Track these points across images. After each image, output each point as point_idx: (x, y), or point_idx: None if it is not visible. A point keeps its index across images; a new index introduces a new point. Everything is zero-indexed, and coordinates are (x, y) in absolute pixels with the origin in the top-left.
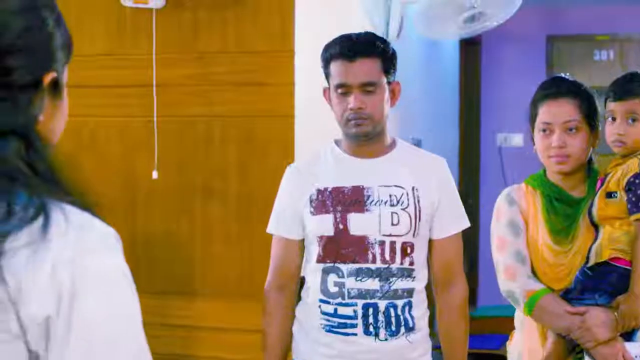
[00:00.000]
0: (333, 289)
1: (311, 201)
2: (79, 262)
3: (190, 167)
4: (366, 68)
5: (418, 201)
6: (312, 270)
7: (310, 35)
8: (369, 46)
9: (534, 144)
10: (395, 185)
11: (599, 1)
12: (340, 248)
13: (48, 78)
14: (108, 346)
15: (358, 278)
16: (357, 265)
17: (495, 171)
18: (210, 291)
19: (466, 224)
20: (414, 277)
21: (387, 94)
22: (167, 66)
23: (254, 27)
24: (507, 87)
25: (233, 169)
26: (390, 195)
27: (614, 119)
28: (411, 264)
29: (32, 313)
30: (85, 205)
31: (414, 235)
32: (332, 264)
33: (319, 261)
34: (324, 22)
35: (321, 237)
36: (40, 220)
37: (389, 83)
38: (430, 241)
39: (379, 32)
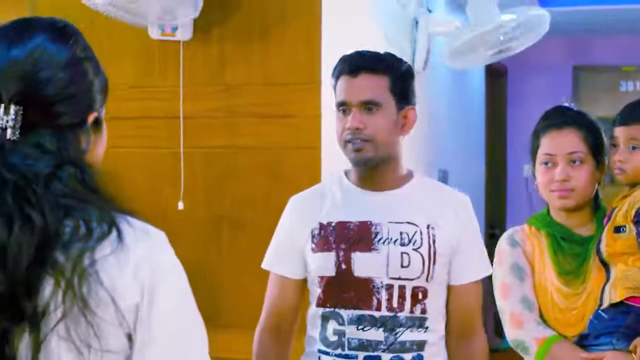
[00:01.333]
0: (332, 338)
1: (313, 237)
2: (153, 259)
3: (216, 198)
4: (369, 84)
5: (433, 241)
6: (312, 316)
7: None
8: (375, 61)
9: (535, 179)
10: (408, 222)
11: (626, 32)
12: (342, 291)
13: (91, 118)
14: (179, 316)
15: (360, 327)
16: (359, 312)
17: (522, 202)
18: (237, 322)
19: (488, 271)
20: (427, 328)
21: (394, 118)
22: (194, 98)
23: (281, 60)
24: (533, 118)
25: (259, 200)
26: (401, 233)
27: (615, 146)
28: (423, 312)
29: (126, 304)
30: (134, 213)
31: (427, 279)
32: (332, 309)
33: (318, 305)
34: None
35: (322, 278)
36: (114, 232)
37: (400, 107)
38: (448, 287)
39: None
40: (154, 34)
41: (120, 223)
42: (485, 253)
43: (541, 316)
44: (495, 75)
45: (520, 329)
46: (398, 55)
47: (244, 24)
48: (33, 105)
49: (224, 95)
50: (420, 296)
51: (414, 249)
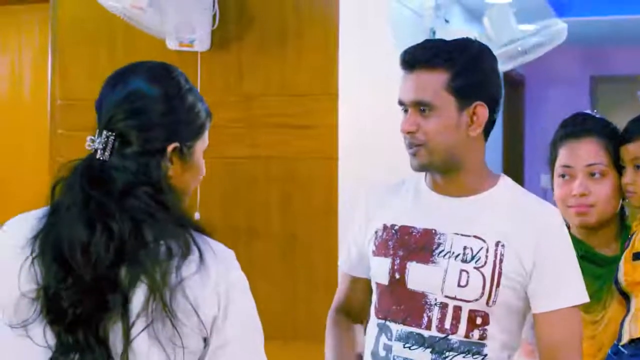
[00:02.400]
0: (382, 353)
1: (375, 238)
2: (228, 277)
3: (233, 208)
4: (422, 82)
5: (500, 261)
6: (371, 324)
7: (354, 78)
8: (432, 54)
9: (553, 191)
10: (475, 236)
11: None
12: (393, 303)
13: (170, 147)
14: (247, 325)
15: (407, 344)
16: (407, 328)
17: None
18: None
19: (581, 298)
20: (485, 356)
21: (455, 119)
22: (211, 108)
23: (298, 70)
24: (550, 128)
25: (276, 210)
26: (464, 248)
27: (623, 167)
28: (482, 338)
29: (207, 314)
30: (206, 231)
31: (488, 303)
32: (383, 321)
33: (375, 314)
34: (368, 64)
35: (377, 285)
36: (196, 252)
37: (464, 106)
38: (534, 316)
39: None
40: (172, 44)
41: (199, 243)
42: (579, 277)
43: None
44: (513, 85)
45: (532, 358)
46: None
47: (262, 34)
48: (120, 132)
49: (241, 106)
50: (478, 321)
51: (475, 268)
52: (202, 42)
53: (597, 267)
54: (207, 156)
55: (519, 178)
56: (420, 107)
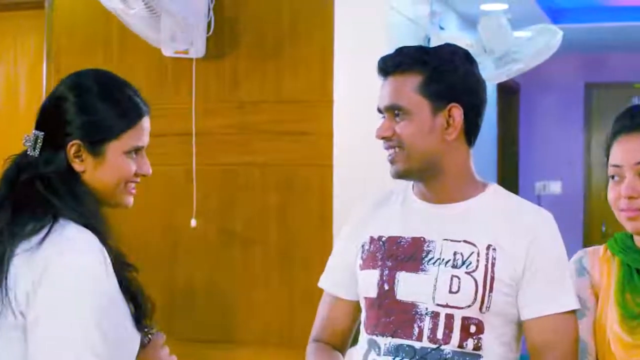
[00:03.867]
0: None
1: (362, 252)
2: (57, 259)
3: (229, 215)
4: (394, 87)
5: (492, 265)
6: (360, 342)
7: (350, 85)
8: (405, 58)
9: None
10: (465, 241)
11: (638, 49)
12: (382, 315)
13: (69, 146)
14: (56, 307)
15: (396, 358)
16: (397, 341)
17: None
18: (251, 340)
19: (570, 304)
20: None
21: (429, 122)
22: (206, 115)
23: (293, 77)
24: (545, 134)
25: (272, 217)
26: (455, 254)
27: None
28: (477, 348)
29: (21, 290)
30: (91, 226)
31: (481, 309)
32: (371, 336)
33: (364, 330)
34: (363, 71)
35: (366, 300)
36: (43, 233)
37: (438, 108)
38: (523, 324)
39: None
40: (167, 52)
41: (54, 227)
42: (570, 283)
43: None
44: (508, 92)
45: None
46: None
47: (257, 41)
48: (38, 132)
49: (236, 112)
50: (472, 329)
51: (466, 273)
52: (197, 49)
53: None
54: (202, 162)
55: (513, 185)
56: (394, 111)
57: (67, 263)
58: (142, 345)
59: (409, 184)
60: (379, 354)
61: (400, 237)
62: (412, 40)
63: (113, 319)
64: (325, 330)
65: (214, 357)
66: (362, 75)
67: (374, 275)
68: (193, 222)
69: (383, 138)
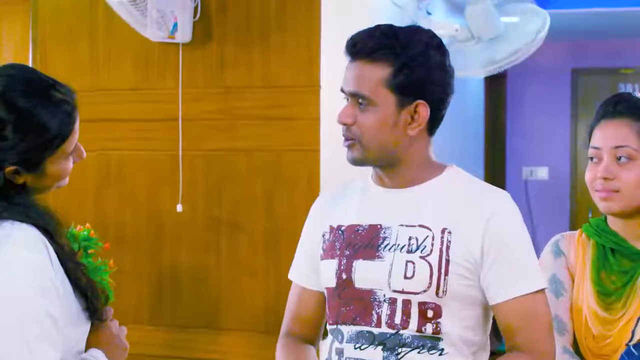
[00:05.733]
0: (334, 358)
1: (323, 242)
2: None
3: (215, 200)
4: (360, 74)
5: (447, 247)
6: (328, 332)
7: (336, 70)
8: (375, 46)
9: None
10: (420, 225)
11: (624, 34)
12: (342, 304)
13: (7, 170)
14: None
15: (357, 345)
16: (357, 328)
17: (521, 205)
18: (236, 325)
19: (536, 284)
20: (442, 351)
21: (393, 117)
22: (193, 100)
23: (280, 62)
24: (532, 120)
25: (259, 203)
26: (410, 238)
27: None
28: (436, 332)
29: None
30: (39, 225)
31: (438, 293)
32: (334, 326)
33: (328, 320)
34: None
35: (327, 289)
36: None
37: (403, 104)
38: (492, 308)
39: None
40: (153, 36)
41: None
42: (535, 262)
43: (575, 341)
44: (494, 78)
45: None
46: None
47: (244, 26)
48: None
49: (223, 98)
50: (430, 314)
51: (421, 257)
52: (183, 34)
53: (626, 261)
54: (188, 148)
55: (500, 170)
56: (358, 99)
57: (8, 259)
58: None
59: (369, 171)
60: (341, 342)
61: (358, 225)
62: (399, 25)
63: (64, 308)
64: (295, 322)
65: (199, 341)
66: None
67: (332, 264)
68: (179, 208)
69: (344, 124)
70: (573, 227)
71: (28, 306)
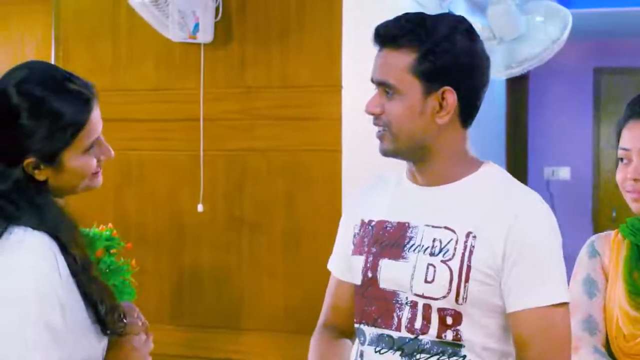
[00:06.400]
0: None
1: (354, 236)
2: (4, 261)
3: (236, 200)
4: (386, 62)
5: (470, 253)
6: None
7: (357, 70)
8: (399, 32)
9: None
10: (446, 227)
11: None
12: (365, 304)
13: (26, 163)
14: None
15: (377, 348)
16: (378, 331)
17: None
18: (256, 325)
19: (557, 296)
20: (463, 358)
21: (420, 104)
22: (214, 100)
23: (301, 62)
24: (554, 120)
25: (280, 203)
26: (434, 240)
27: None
28: (456, 339)
29: None
30: (51, 233)
31: (457, 300)
32: (358, 325)
33: (354, 318)
34: (371, 56)
35: (354, 286)
36: None
37: (429, 91)
38: (507, 316)
39: None
40: (175, 37)
41: (8, 231)
42: (560, 273)
43: (608, 341)
44: (516, 78)
45: (574, 355)
46: None
47: (265, 26)
48: None
49: (244, 98)
50: (449, 321)
51: (442, 261)
52: (205, 34)
53: None
54: (209, 148)
55: (522, 170)
56: (385, 88)
57: (12, 265)
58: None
59: (404, 165)
60: (363, 344)
61: (387, 221)
62: None
63: (67, 319)
64: (331, 313)
65: (219, 341)
66: (370, 59)
67: (360, 261)
68: (200, 208)
69: (371, 114)
70: (596, 227)
71: (22, 313)
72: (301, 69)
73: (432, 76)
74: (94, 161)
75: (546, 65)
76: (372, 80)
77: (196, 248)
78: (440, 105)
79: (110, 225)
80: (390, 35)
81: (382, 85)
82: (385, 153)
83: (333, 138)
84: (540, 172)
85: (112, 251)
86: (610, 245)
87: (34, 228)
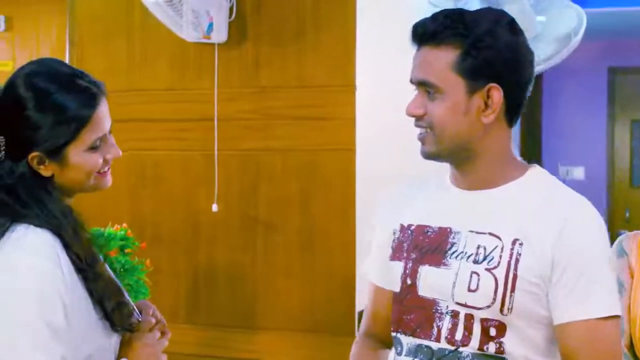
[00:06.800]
0: None
1: (393, 240)
2: (4, 259)
3: (250, 200)
4: (427, 61)
5: (516, 261)
6: None
7: (372, 70)
8: (439, 28)
9: None
10: (490, 234)
11: None
12: (403, 312)
13: (30, 157)
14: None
15: (415, 359)
16: (417, 341)
17: None
18: (272, 325)
19: (608, 309)
20: None
21: (464, 103)
22: (228, 100)
23: (316, 62)
24: (568, 120)
25: (294, 202)
26: (477, 247)
27: None
28: (499, 352)
29: None
30: (54, 230)
31: (502, 311)
32: (395, 333)
33: (391, 326)
34: (385, 56)
35: (393, 293)
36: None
37: (474, 89)
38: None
39: None
40: (189, 37)
41: (12, 229)
42: (610, 283)
43: (631, 343)
44: None
45: None
46: None
47: (279, 26)
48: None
49: (258, 97)
50: (492, 332)
51: (487, 269)
52: (219, 34)
53: None
54: (223, 148)
55: None
56: (426, 88)
57: (12, 264)
58: (129, 331)
59: (447, 168)
60: (400, 354)
61: (427, 226)
62: None
63: (71, 316)
64: (372, 320)
65: (235, 340)
66: (384, 59)
67: (399, 267)
68: (214, 207)
69: (413, 116)
70: (610, 228)
71: (22, 312)
72: (315, 68)
73: (476, 73)
74: (100, 159)
75: (560, 65)
76: (412, 81)
77: (211, 247)
78: (486, 104)
79: (124, 225)
80: (429, 32)
81: (423, 85)
82: (428, 156)
83: (347, 137)
84: (554, 172)
85: (126, 251)
86: (637, 245)
87: (36, 226)
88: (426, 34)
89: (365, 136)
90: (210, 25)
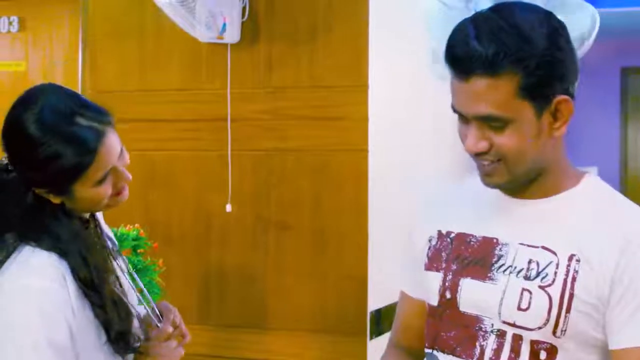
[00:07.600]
0: None
1: (429, 248)
2: (7, 283)
3: (263, 201)
4: (483, 94)
5: (573, 279)
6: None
7: (384, 70)
8: (492, 57)
9: None
10: (544, 247)
11: None
12: (442, 328)
13: (39, 191)
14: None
15: None
16: None
17: None
18: (284, 325)
19: None
20: None
21: (535, 126)
22: (241, 100)
23: (328, 62)
24: (581, 120)
25: (307, 203)
26: (529, 262)
27: None
28: None
29: None
30: (62, 254)
31: (555, 332)
32: (430, 350)
33: (425, 340)
34: (398, 56)
35: (428, 307)
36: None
37: (543, 107)
38: (610, 353)
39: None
40: (202, 37)
41: (17, 250)
42: None
43: None
44: None
45: None
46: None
47: (292, 26)
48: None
49: (271, 98)
50: (543, 355)
51: (540, 287)
52: (232, 34)
53: None
54: (236, 148)
55: None
56: (489, 123)
57: (16, 286)
58: (147, 339)
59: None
60: None
61: (470, 235)
62: (447, 25)
63: (77, 338)
64: (402, 333)
65: (246, 341)
66: (397, 60)
67: (436, 279)
68: (228, 208)
69: (478, 153)
70: None
71: (27, 332)
72: (327, 69)
73: (542, 91)
74: (109, 189)
75: None
76: (462, 114)
77: (224, 248)
78: (554, 117)
79: (137, 225)
80: (482, 61)
81: (485, 119)
82: (496, 186)
83: (360, 138)
84: None
85: (139, 251)
86: None
87: (44, 249)
88: (478, 66)
89: (377, 136)
90: (224, 25)
